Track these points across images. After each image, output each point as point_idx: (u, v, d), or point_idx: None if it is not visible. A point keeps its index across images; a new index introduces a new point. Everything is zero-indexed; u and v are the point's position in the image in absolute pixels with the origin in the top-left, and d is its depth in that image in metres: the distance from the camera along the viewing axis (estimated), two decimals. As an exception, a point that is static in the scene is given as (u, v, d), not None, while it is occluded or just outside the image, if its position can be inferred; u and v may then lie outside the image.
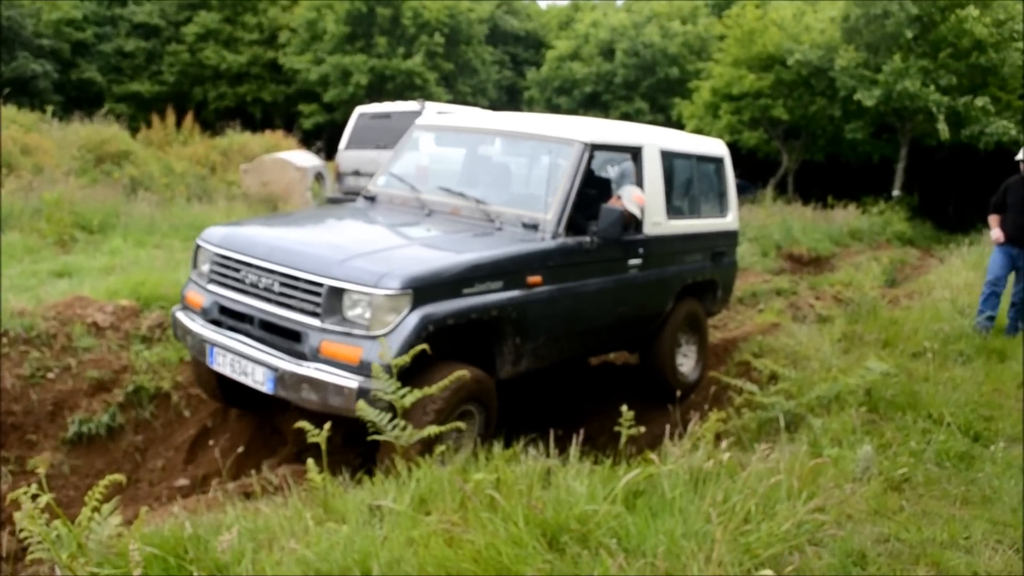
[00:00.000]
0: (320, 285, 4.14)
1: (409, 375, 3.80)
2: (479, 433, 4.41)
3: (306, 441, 3.43)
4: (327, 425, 3.28)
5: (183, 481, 5.07)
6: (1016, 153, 7.44)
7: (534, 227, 4.93)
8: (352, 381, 3.95)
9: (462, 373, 3.94)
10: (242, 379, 4.40)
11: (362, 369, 3.96)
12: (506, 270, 4.57)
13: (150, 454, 5.42)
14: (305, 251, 4.44)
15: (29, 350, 5.49)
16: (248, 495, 3.68)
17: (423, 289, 4.09)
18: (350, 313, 4.10)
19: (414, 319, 4.03)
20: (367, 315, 4.03)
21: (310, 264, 4.24)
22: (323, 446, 3.20)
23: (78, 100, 28.65)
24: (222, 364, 4.49)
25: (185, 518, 2.92)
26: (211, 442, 5.22)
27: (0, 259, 7.52)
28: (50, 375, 5.45)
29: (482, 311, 4.39)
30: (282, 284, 4.31)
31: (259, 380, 4.29)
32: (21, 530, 2.44)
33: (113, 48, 32.30)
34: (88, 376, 5.52)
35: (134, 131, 18.17)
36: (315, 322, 4.15)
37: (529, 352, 4.82)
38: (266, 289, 4.39)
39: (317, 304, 4.15)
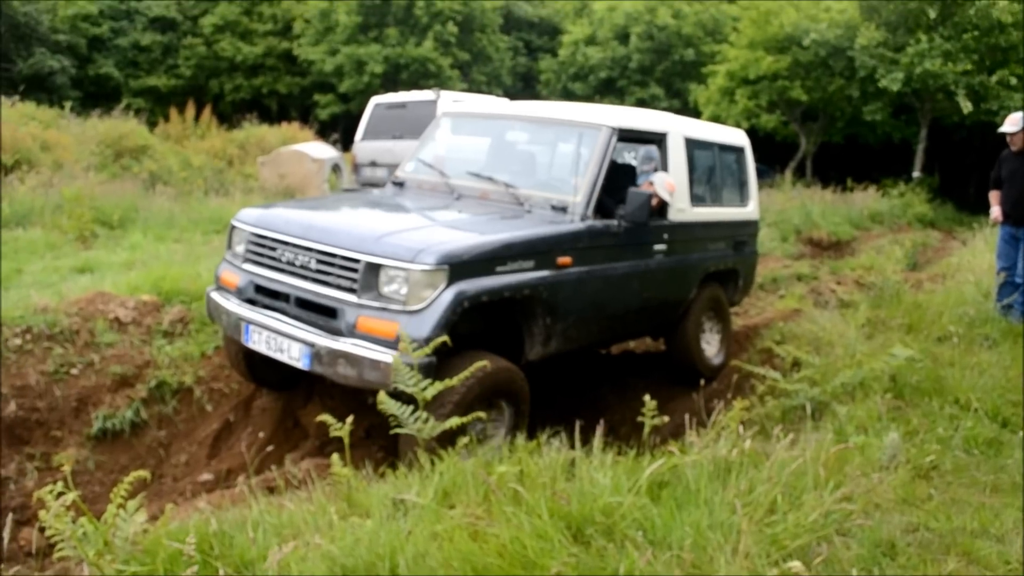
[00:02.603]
0: (357, 261, 4.19)
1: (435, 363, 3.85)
2: (509, 427, 4.41)
3: (328, 434, 3.43)
4: (350, 419, 3.27)
5: (206, 476, 5.09)
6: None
7: (563, 209, 4.98)
8: (388, 356, 3.96)
9: (483, 363, 3.94)
10: (278, 356, 4.45)
11: (398, 344, 3.99)
12: (537, 250, 4.62)
13: (173, 449, 5.44)
14: (343, 229, 4.51)
15: (52, 346, 5.53)
16: (272, 489, 3.69)
17: (459, 265, 4.13)
18: (387, 289, 4.14)
19: (449, 295, 4.07)
20: (403, 290, 4.07)
21: (348, 241, 4.30)
22: (346, 440, 3.20)
23: (96, 95, 28.82)
24: (257, 342, 4.55)
25: (210, 513, 2.92)
26: (232, 445, 5.24)
27: (2, 256, 7.57)
28: (73, 371, 5.48)
29: (515, 289, 4.42)
30: (319, 261, 4.37)
31: (295, 356, 4.34)
32: (48, 527, 2.45)
33: (129, 42, 32.47)
34: (111, 372, 5.55)
35: (152, 125, 18.27)
36: (352, 298, 4.20)
37: (559, 333, 4.86)
38: (302, 267, 4.45)
39: (354, 280, 4.20)
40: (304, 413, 5.39)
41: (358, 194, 7.10)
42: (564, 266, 4.77)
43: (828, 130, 25.26)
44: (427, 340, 3.91)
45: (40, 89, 25.34)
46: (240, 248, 4.92)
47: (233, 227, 5.00)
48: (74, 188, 9.89)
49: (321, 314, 4.34)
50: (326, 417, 3.34)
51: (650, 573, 2.53)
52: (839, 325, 6.62)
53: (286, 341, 4.37)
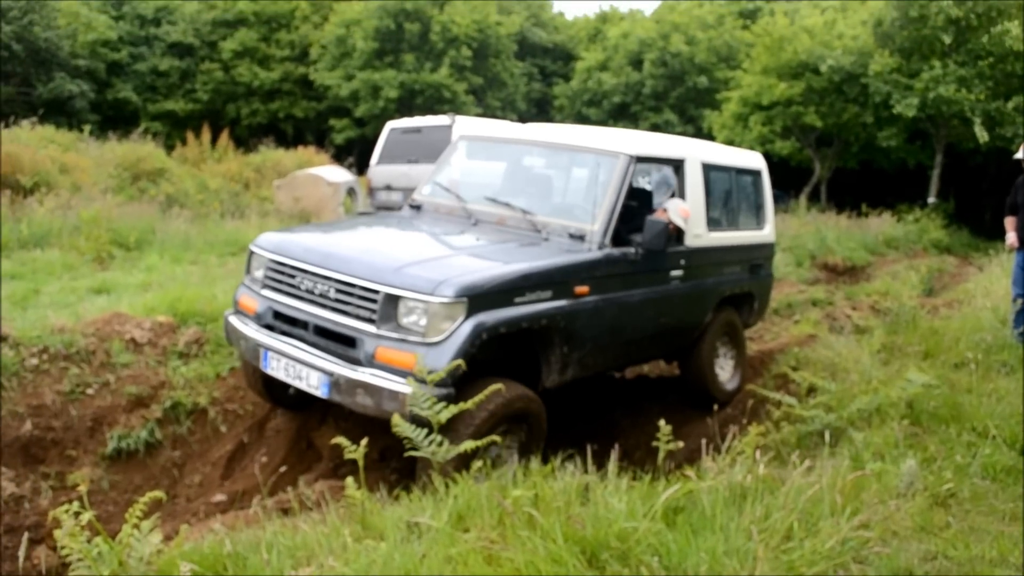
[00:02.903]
0: (376, 292, 4.20)
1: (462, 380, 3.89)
2: (524, 452, 4.39)
3: (342, 456, 3.43)
4: (364, 441, 3.27)
5: (220, 497, 5.09)
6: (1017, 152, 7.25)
7: (581, 238, 4.98)
8: (407, 387, 3.97)
9: (498, 387, 3.94)
10: (296, 383, 4.46)
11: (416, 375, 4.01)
12: (555, 280, 4.61)
13: (187, 469, 5.45)
14: (361, 258, 4.50)
15: (69, 366, 5.56)
16: (286, 511, 3.69)
17: (477, 297, 4.14)
18: (405, 320, 4.15)
19: (468, 327, 4.08)
20: (423, 322, 4.08)
21: (366, 271, 4.31)
22: (360, 462, 3.20)
23: (114, 119, 29.20)
24: (276, 368, 4.56)
25: (224, 535, 2.92)
26: (245, 466, 5.25)
27: (20, 277, 7.64)
28: (89, 391, 5.52)
29: (532, 320, 4.43)
30: (338, 291, 4.38)
31: (313, 384, 4.34)
32: (63, 547, 2.46)
33: (148, 67, 32.92)
34: (126, 392, 5.57)
35: (169, 149, 18.46)
36: (370, 328, 4.20)
37: (575, 361, 4.85)
38: (321, 295, 4.46)
39: (373, 311, 4.20)
40: (318, 435, 5.39)
41: (376, 218, 7.12)
42: (582, 295, 4.77)
43: (843, 155, 25.24)
44: (446, 372, 3.93)
45: (60, 113, 25.66)
46: (259, 273, 4.93)
47: (252, 252, 5.02)
48: (92, 210, 9.98)
49: (340, 343, 4.34)
50: (341, 439, 3.35)
51: (665, 599, 2.51)
52: (855, 351, 6.59)
53: (305, 369, 4.38)
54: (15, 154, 12.07)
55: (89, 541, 2.48)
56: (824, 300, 10.76)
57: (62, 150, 14.31)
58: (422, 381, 3.89)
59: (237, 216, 12.55)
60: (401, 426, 3.48)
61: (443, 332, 4.06)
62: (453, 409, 3.55)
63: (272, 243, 4.92)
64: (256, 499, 3.55)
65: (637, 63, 32.01)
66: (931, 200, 22.57)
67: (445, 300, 4.05)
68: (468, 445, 3.57)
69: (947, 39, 19.76)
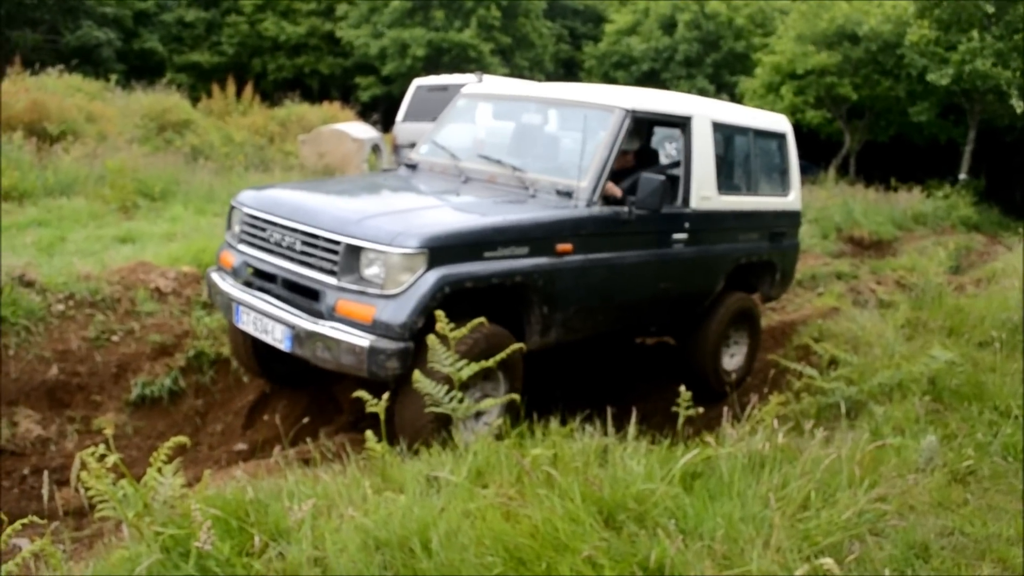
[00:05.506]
0: (338, 243, 4.16)
1: (423, 335, 3.78)
2: (504, 404, 4.18)
3: (360, 410, 3.45)
4: (386, 395, 3.29)
5: (241, 446, 5.17)
6: None
7: (568, 195, 4.85)
8: (364, 340, 3.96)
9: (482, 319, 3.84)
10: (263, 337, 4.46)
11: (375, 328, 3.98)
12: (533, 236, 4.51)
13: (209, 418, 5.53)
14: (326, 210, 4.47)
15: (94, 313, 5.63)
16: (307, 461, 3.73)
17: (440, 250, 4.06)
18: (367, 272, 4.10)
19: (430, 280, 4.01)
20: (382, 274, 4.03)
21: (329, 222, 4.27)
22: (382, 416, 3.22)
23: (140, 69, 29.13)
24: (246, 322, 4.57)
25: (246, 482, 2.96)
26: (267, 416, 5.30)
27: (46, 224, 7.70)
28: (114, 338, 5.59)
29: (504, 276, 4.33)
30: (303, 243, 4.35)
31: (278, 338, 4.34)
32: (88, 488, 2.50)
33: (174, 18, 32.75)
34: (151, 340, 5.64)
35: (195, 101, 18.43)
36: (332, 280, 4.18)
37: (559, 323, 4.75)
38: (288, 248, 4.44)
39: (335, 263, 4.17)
40: (339, 389, 5.44)
41: (368, 176, 7.01)
42: (564, 253, 4.64)
43: (874, 128, 24.83)
44: (403, 325, 3.89)
45: (87, 61, 25.62)
46: (237, 228, 4.91)
47: (232, 207, 4.99)
48: (117, 160, 10.04)
49: (305, 296, 4.31)
50: (362, 393, 3.37)
51: (681, 561, 2.52)
52: (878, 325, 6.54)
53: (271, 323, 4.37)
54: (42, 102, 12.13)
55: (114, 483, 2.52)
56: (849, 273, 10.67)
57: (89, 99, 14.35)
58: (380, 334, 3.86)
59: (261, 169, 12.57)
60: (422, 382, 3.48)
61: (402, 284, 4.00)
62: (474, 367, 3.54)
63: (249, 198, 4.89)
64: (277, 449, 3.58)
65: (670, 26, 31.43)
66: (962, 177, 22.20)
67: (404, 251, 3.99)
68: (471, 369, 3.54)
69: (989, 8, 19.23)
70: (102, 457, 2.49)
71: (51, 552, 2.43)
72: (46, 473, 3.12)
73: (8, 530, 2.37)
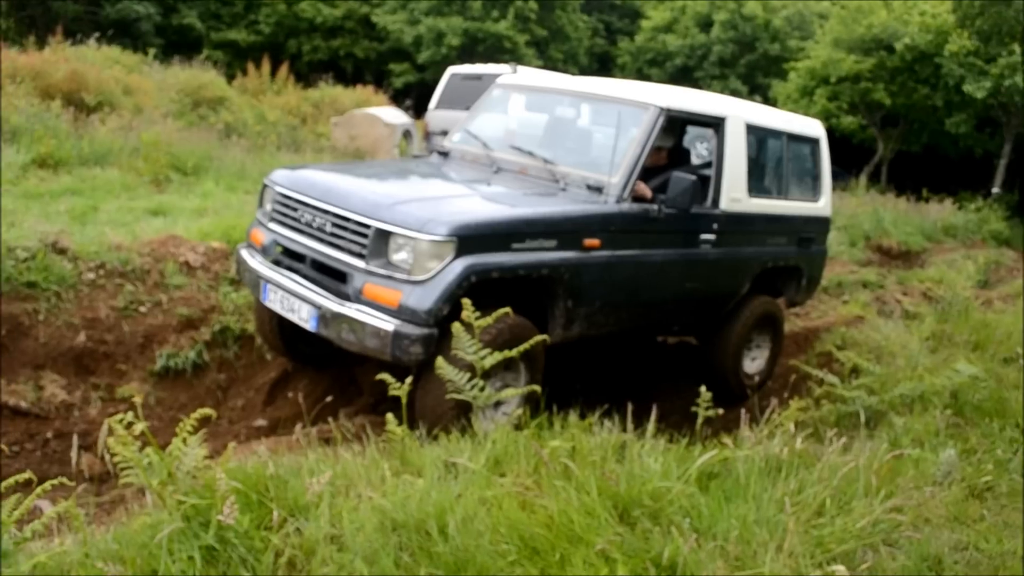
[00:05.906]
0: (368, 227, 4.19)
1: (448, 322, 3.78)
2: (523, 395, 4.22)
3: (382, 393, 3.48)
4: (409, 379, 3.32)
5: (261, 422, 5.24)
6: None
7: (598, 190, 4.84)
8: (389, 324, 3.99)
9: (507, 310, 3.85)
10: (289, 316, 4.50)
11: (400, 313, 4.00)
12: (561, 229, 4.52)
13: (231, 393, 5.60)
14: (358, 193, 4.50)
15: (124, 283, 5.71)
16: (327, 440, 3.78)
17: (469, 238, 4.08)
18: (395, 257, 4.13)
19: (457, 268, 4.03)
20: (410, 260, 4.06)
21: (360, 206, 4.30)
22: (403, 399, 3.25)
23: (178, 44, 29.31)
24: (273, 300, 4.61)
25: (268, 457, 3.01)
26: (289, 394, 5.36)
27: (79, 193, 7.78)
28: (142, 309, 5.67)
29: (531, 268, 4.35)
30: (334, 224, 4.38)
31: (304, 318, 4.38)
32: (113, 454, 2.55)
33: (213, -5, 33.00)
34: (177, 313, 5.72)
35: (230, 78, 18.54)
36: (361, 264, 4.21)
37: (582, 317, 4.76)
38: (319, 229, 4.47)
39: (364, 246, 4.20)
40: (360, 371, 5.49)
41: (399, 162, 7.03)
42: (591, 248, 4.65)
43: (907, 137, 24.55)
44: (429, 312, 3.92)
45: (125, 34, 25.81)
46: (269, 207, 4.95)
47: (264, 186, 5.03)
48: (152, 133, 10.13)
49: (333, 278, 4.35)
50: (385, 376, 3.40)
51: (694, 560, 2.54)
52: (902, 336, 6.49)
53: (297, 302, 4.41)
54: (81, 72, 12.25)
55: (140, 451, 2.57)
56: (875, 283, 10.57)
57: (126, 71, 14.47)
58: (405, 319, 3.89)
59: (293, 149, 12.65)
60: (444, 368, 3.51)
61: (429, 271, 4.02)
62: (498, 356, 3.56)
63: (282, 177, 4.92)
64: (298, 426, 3.63)
65: (706, 25, 31.23)
66: (995, 190, 21.90)
67: (434, 238, 4.01)
68: (489, 361, 3.55)
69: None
70: (129, 425, 2.53)
71: (75, 514, 2.49)
72: (75, 437, 3.19)
73: (38, 490, 2.42)
